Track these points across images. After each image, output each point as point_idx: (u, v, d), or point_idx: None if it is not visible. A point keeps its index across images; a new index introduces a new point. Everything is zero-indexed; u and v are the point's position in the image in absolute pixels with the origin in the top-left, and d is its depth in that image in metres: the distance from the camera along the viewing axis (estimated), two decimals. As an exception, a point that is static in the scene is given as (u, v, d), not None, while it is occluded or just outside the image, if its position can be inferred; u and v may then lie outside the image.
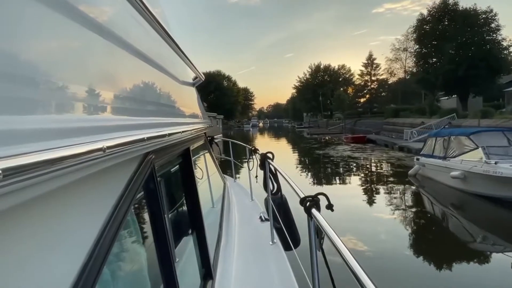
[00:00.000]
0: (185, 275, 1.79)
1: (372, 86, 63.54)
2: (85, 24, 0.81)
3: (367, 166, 18.66)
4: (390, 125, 34.48)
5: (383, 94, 62.07)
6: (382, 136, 30.95)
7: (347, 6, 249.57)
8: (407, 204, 10.85)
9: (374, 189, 12.85)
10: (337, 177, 15.86)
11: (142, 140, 0.96)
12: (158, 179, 1.32)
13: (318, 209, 1.33)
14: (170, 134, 1.35)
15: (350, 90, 72.88)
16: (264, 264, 2.66)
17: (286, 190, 2.77)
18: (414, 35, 31.12)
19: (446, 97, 31.25)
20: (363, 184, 13.73)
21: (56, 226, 0.63)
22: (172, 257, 1.33)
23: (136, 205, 1.27)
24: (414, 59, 31.63)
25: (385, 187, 13.05)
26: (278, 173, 2.82)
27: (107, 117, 0.88)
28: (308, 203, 1.35)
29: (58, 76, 0.65)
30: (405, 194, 12.17)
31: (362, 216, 9.31)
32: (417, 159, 13.53)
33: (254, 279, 2.44)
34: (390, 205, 10.49)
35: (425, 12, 30.60)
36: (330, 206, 1.47)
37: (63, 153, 0.55)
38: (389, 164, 18.06)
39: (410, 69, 49.65)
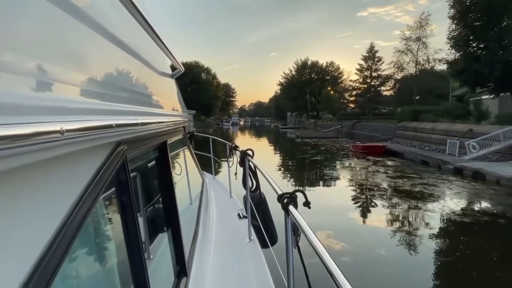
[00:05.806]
0: (158, 273, 1.75)
1: (373, 83, 53.83)
2: (58, 3, 0.80)
3: (451, 228, 8.93)
4: (408, 131, 26.17)
5: (391, 92, 51.97)
6: (410, 147, 22.32)
7: (333, 7, 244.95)
8: None
9: None
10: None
11: (110, 126, 0.90)
12: (130, 171, 1.30)
13: (296, 206, 1.32)
14: (143, 124, 1.32)
15: (333, 91, 64.17)
16: (240, 261, 2.68)
17: (265, 189, 2.69)
18: (452, 10, 22.85)
19: (491, 96, 23.23)
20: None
21: (10, 211, 0.57)
22: (143, 254, 1.30)
23: (105, 198, 1.20)
24: (451, 43, 23.19)
25: None
26: (257, 171, 2.84)
27: (69, 97, 0.79)
28: (285, 200, 1.35)
29: (19, 50, 0.61)
30: None
31: None
32: None
33: (230, 276, 2.45)
34: None
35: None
36: (307, 203, 1.44)
37: (16, 131, 0.50)
38: (492, 223, 8.91)
39: (422, 64, 42.03)
